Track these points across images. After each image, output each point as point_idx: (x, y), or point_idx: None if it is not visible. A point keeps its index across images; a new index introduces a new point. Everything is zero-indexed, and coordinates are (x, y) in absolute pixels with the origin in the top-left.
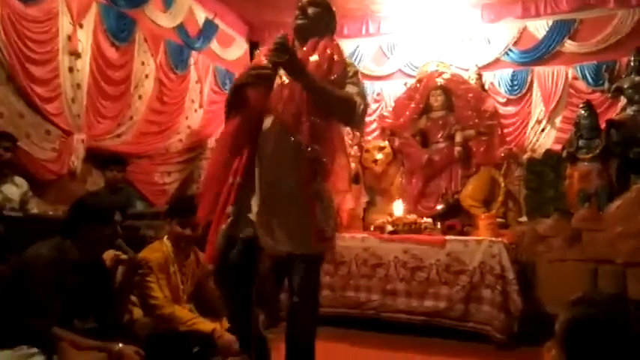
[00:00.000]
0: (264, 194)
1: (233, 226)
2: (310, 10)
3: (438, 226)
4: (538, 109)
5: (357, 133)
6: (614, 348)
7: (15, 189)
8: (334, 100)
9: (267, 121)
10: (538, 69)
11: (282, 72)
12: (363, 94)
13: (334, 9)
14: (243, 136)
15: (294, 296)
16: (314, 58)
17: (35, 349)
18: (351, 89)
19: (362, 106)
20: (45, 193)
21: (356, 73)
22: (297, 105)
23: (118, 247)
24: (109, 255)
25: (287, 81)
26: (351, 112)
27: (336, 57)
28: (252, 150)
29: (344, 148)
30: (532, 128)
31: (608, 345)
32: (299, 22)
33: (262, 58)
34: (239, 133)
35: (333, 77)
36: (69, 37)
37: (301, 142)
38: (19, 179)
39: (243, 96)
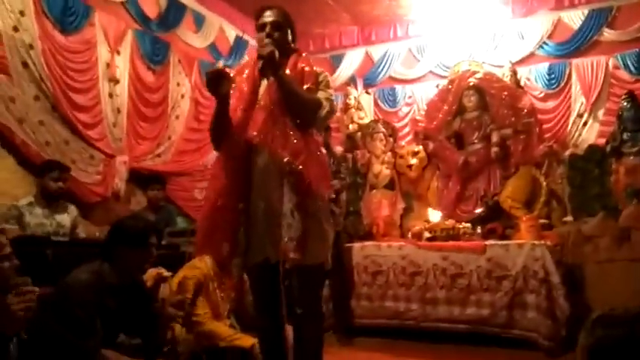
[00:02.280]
0: (260, 212)
1: (245, 254)
2: (276, 35)
3: (478, 230)
4: (578, 102)
5: (391, 139)
6: None
7: (66, 216)
8: (302, 100)
9: (255, 149)
10: (576, 61)
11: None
12: (331, 100)
13: (292, 21)
14: (236, 167)
15: (297, 308)
16: (287, 73)
17: None
18: (320, 94)
19: (327, 109)
20: (91, 215)
21: (327, 82)
22: (273, 122)
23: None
24: (150, 274)
25: (262, 102)
26: (316, 112)
27: (307, 68)
28: (247, 176)
29: (320, 150)
30: (573, 123)
31: None
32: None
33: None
34: (230, 168)
35: (306, 86)
36: (107, 65)
37: (282, 159)
38: (70, 206)
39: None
